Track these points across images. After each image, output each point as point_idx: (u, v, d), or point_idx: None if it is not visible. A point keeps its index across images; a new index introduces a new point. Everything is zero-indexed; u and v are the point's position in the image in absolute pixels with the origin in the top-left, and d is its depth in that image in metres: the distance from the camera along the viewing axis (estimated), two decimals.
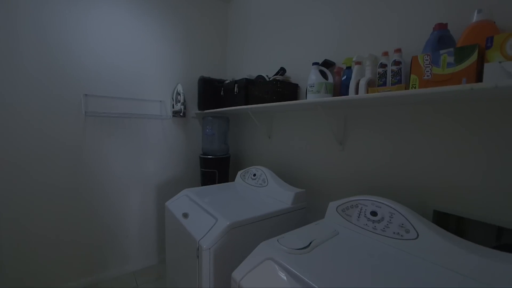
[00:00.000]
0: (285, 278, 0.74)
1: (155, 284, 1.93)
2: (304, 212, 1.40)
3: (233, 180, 2.00)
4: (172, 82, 2.15)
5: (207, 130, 2.13)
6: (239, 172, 1.84)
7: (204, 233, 1.08)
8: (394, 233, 0.91)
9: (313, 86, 1.28)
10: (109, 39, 1.84)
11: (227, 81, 2.04)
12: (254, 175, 1.68)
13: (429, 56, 0.76)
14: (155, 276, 2.03)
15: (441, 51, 0.73)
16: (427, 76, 0.76)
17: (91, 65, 1.79)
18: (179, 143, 2.23)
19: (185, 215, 1.29)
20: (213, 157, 2.05)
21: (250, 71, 2.09)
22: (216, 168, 2.06)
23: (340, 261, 0.81)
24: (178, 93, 2.10)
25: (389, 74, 1.07)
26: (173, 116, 2.16)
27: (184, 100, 2.14)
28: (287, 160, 1.78)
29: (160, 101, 2.10)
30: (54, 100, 1.68)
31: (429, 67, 0.76)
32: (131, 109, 1.98)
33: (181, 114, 2.14)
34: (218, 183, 2.05)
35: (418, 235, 0.86)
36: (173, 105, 2.14)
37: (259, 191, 1.56)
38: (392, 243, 0.90)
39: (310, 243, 0.89)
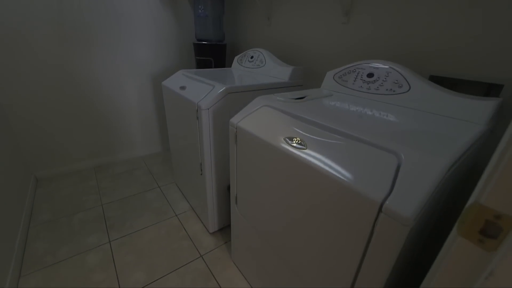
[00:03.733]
0: (280, 115, 0.80)
1: (162, 165, 2.16)
2: (302, 89, 1.41)
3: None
4: None
5: (200, 11, 1.90)
6: (236, 57, 1.76)
7: (202, 96, 1.11)
8: (387, 89, 0.94)
9: None
10: None
11: None
12: (252, 57, 1.62)
13: None
14: (161, 160, 2.25)
15: None
16: None
17: None
18: (170, 29, 2.04)
19: (183, 88, 1.29)
20: (207, 43, 1.92)
21: None
22: (211, 56, 1.96)
23: (331, 108, 0.86)
24: None
25: None
26: None
27: None
28: (287, 40, 1.67)
29: None
30: None
31: None
32: None
33: None
34: None
35: (410, 87, 0.89)
36: None
37: (257, 71, 1.53)
38: (384, 99, 0.94)
39: (305, 97, 0.93)
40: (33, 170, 1.84)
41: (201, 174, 1.27)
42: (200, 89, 1.19)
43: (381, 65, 0.98)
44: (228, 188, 1.33)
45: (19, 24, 1.51)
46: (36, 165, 1.84)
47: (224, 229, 1.47)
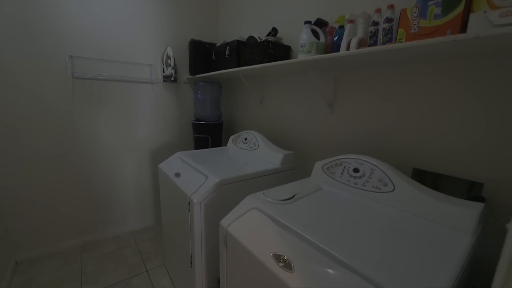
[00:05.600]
0: (268, 223, 0.81)
1: (153, 242, 2.06)
2: (293, 173, 1.45)
3: (226, 145, 2.03)
4: (161, 45, 2.07)
5: (199, 96, 2.10)
6: (231, 137, 1.87)
7: (195, 189, 1.13)
8: (373, 187, 0.97)
9: (304, 46, 1.25)
10: None
11: (218, 44, 1.97)
12: (246, 139, 1.71)
13: (417, 8, 0.74)
14: (153, 235, 2.16)
15: (429, 2, 0.71)
16: (414, 29, 0.75)
17: (74, 23, 1.70)
18: (171, 109, 2.22)
19: (177, 175, 1.33)
20: (205, 123, 2.06)
21: (243, 33, 2.01)
22: (208, 134, 2.08)
23: (318, 210, 0.87)
24: (168, 57, 2.03)
25: (380, 32, 1.05)
26: (164, 81, 2.11)
27: (175, 64, 2.08)
28: (278, 124, 1.80)
29: (150, 64, 2.04)
30: (41, 60, 1.63)
31: (416, 19, 0.74)
32: (120, 72, 1.93)
33: (172, 79, 2.10)
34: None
35: (394, 187, 0.92)
36: (163, 69, 2.09)
37: (250, 154, 1.60)
38: (370, 196, 0.96)
39: (294, 195, 0.95)
40: (14, 252, 1.74)
41: (191, 267, 1.20)
42: (194, 178, 1.22)
43: (365, 161, 1.03)
44: (219, 281, 1.24)
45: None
46: (18, 247, 1.75)
47: None
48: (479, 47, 0.75)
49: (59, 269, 1.72)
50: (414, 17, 0.75)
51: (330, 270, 0.60)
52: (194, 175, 1.25)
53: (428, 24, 0.72)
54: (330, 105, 1.41)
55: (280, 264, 0.65)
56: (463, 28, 0.67)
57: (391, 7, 1.01)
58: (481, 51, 0.80)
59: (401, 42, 0.80)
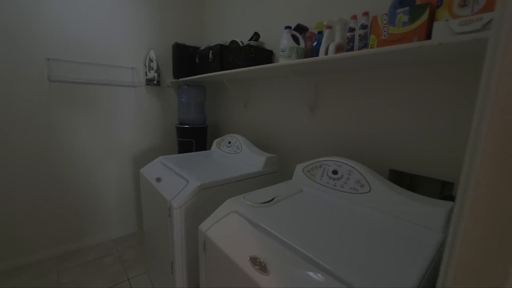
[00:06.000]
0: (246, 226, 0.81)
1: (136, 249, 2.00)
2: (276, 176, 1.46)
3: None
4: (144, 48, 2.05)
5: (183, 99, 2.09)
6: (215, 141, 1.86)
7: (176, 193, 1.12)
8: (351, 188, 0.99)
9: (284, 51, 1.27)
10: None
11: (202, 48, 1.97)
12: (229, 142, 1.71)
13: (387, 16, 0.78)
14: (135, 242, 2.10)
15: (398, 10, 0.75)
16: (384, 36, 0.79)
17: (55, 26, 1.65)
18: (154, 112, 2.18)
19: (158, 180, 1.31)
20: (189, 126, 2.05)
21: (227, 37, 2.02)
22: (193, 138, 2.06)
23: (296, 212, 0.88)
24: (151, 60, 2.01)
25: (356, 38, 1.08)
26: (146, 84, 2.08)
27: (158, 68, 2.06)
28: (261, 128, 1.81)
29: (132, 67, 2.01)
30: (18, 63, 1.57)
31: (386, 26, 0.78)
32: (101, 76, 1.88)
33: (155, 82, 2.07)
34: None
35: (371, 188, 0.94)
36: (146, 72, 2.06)
37: (234, 157, 1.60)
38: (348, 197, 0.98)
39: (273, 198, 0.96)
40: None
41: (172, 273, 1.18)
42: (175, 183, 1.21)
43: (343, 163, 1.06)
44: None
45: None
46: None
47: None
48: (445, 53, 0.79)
49: (35, 280, 1.64)
50: (384, 24, 0.78)
51: (304, 272, 0.61)
52: (175, 179, 1.24)
53: (397, 31, 0.76)
54: (311, 109, 1.44)
55: (256, 267, 0.65)
56: (429, 36, 0.71)
57: (366, 14, 1.05)
58: (449, 58, 0.85)
59: (373, 47, 0.83)
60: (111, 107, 1.96)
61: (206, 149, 2.21)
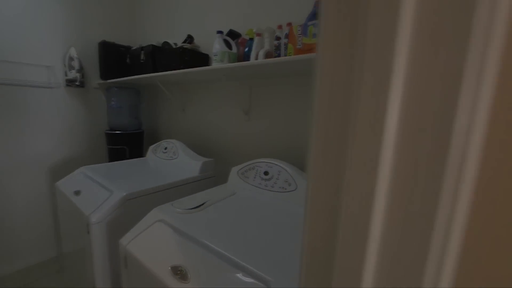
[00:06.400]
0: (171, 235, 0.77)
1: (55, 276, 1.72)
2: (214, 180, 1.44)
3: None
4: (63, 45, 1.80)
5: (112, 103, 1.90)
6: (151, 147, 1.74)
7: (96, 207, 1.00)
8: (280, 187, 1.05)
9: (217, 55, 1.28)
10: None
11: (133, 48, 1.84)
12: (166, 148, 1.63)
13: (301, 27, 0.85)
14: (55, 268, 1.80)
15: (309, 23, 0.82)
16: (299, 45, 0.86)
17: None
18: (78, 117, 1.93)
19: (77, 193, 1.16)
20: (121, 132, 1.87)
21: (161, 38, 1.93)
22: (126, 145, 1.89)
23: (225, 215, 0.88)
24: (72, 58, 1.78)
25: (282, 46, 1.16)
26: (67, 85, 1.84)
27: (81, 67, 1.84)
28: (200, 132, 1.78)
29: (48, 66, 1.75)
30: None
31: (300, 37, 0.85)
32: (4, 74, 1.58)
33: (78, 83, 1.84)
34: None
35: (297, 186, 1.01)
36: (66, 72, 1.81)
37: (170, 163, 1.53)
38: (278, 196, 1.03)
39: (203, 203, 0.94)
40: None
41: None
42: (96, 195, 1.08)
43: (274, 164, 1.11)
44: None
45: None
46: None
47: None
48: None
49: None
50: (298, 34, 0.86)
51: (225, 274, 0.61)
52: (98, 191, 1.11)
53: (309, 41, 0.83)
54: (246, 112, 1.47)
55: (177, 276, 0.63)
56: None
57: (289, 24, 1.13)
58: None
59: (291, 55, 0.89)
60: (19, 111, 1.66)
61: (142, 156, 2.06)
